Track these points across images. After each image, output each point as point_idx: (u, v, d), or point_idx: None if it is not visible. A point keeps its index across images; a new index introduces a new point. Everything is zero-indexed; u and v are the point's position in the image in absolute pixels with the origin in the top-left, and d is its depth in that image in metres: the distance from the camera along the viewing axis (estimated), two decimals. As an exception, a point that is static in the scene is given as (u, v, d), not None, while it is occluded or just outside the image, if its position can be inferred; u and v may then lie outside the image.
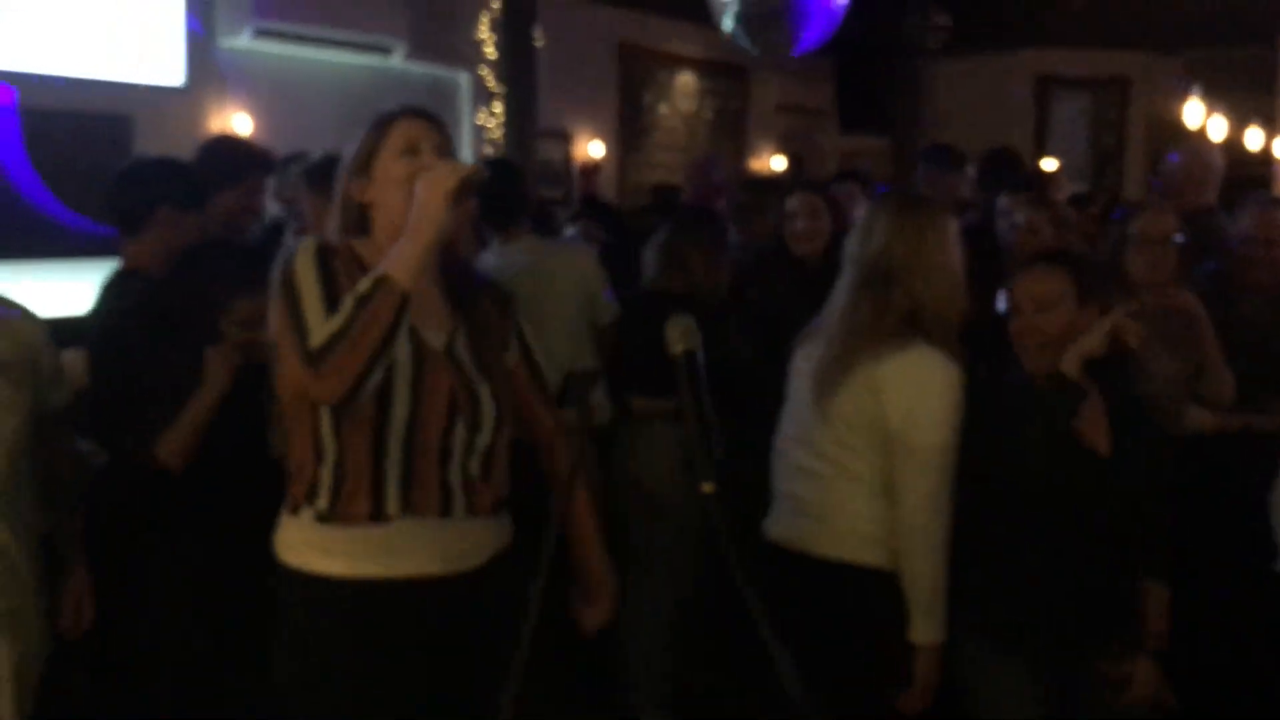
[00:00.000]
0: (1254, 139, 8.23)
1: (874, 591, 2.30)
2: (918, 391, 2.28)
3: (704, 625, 3.50)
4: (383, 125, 1.98)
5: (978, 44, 9.89)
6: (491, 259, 3.47)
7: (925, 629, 2.27)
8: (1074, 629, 2.34)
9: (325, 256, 1.89)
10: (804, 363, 2.48)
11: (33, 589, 2.40)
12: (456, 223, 1.88)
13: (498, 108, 7.53)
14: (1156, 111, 10.62)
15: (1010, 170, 4.91)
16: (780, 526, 2.47)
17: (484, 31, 7.58)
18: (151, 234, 2.91)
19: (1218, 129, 7.87)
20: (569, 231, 4.72)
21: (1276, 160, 9.14)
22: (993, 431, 2.33)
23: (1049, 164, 10.06)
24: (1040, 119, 10.78)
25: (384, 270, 1.78)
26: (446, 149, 1.98)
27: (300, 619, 1.94)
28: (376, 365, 1.78)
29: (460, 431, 1.94)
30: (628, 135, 8.85)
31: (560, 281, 3.53)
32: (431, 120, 2.02)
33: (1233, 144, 8.11)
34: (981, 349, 2.45)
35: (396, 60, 6.90)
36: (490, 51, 7.59)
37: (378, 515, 1.90)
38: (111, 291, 2.91)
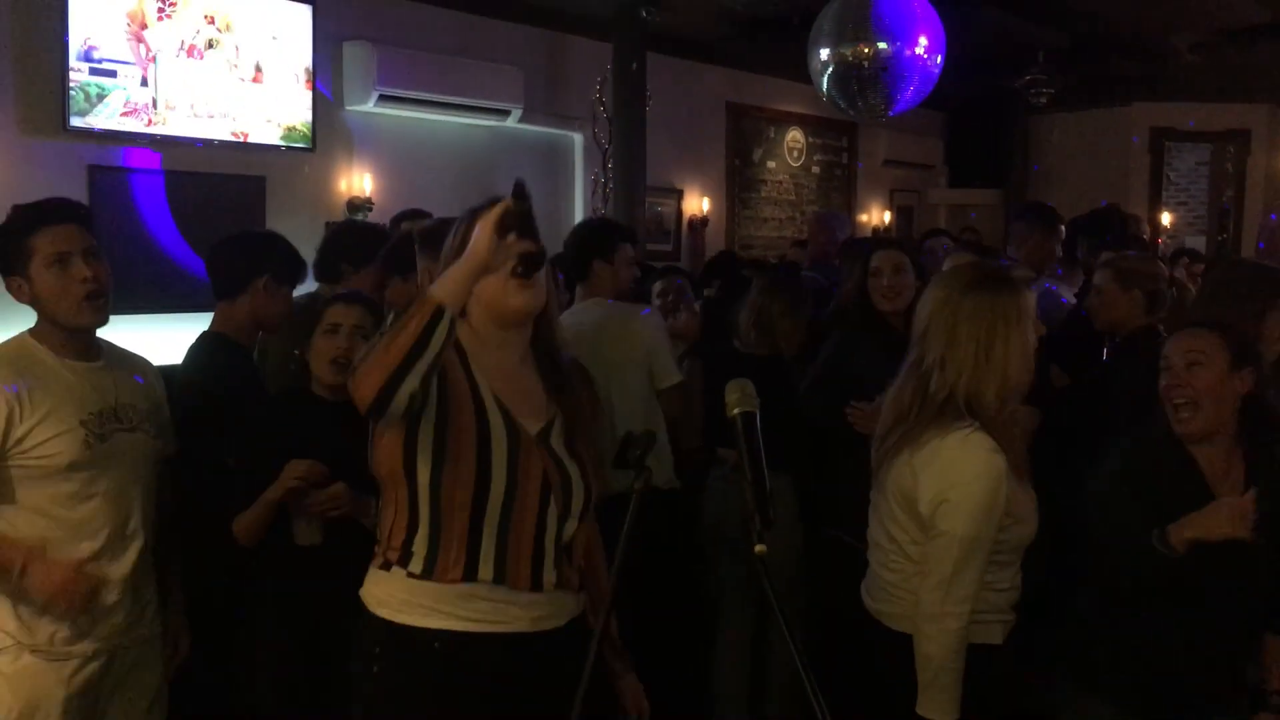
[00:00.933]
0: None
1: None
2: (949, 478, 2.25)
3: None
4: (476, 211, 2.00)
5: (1090, 98, 9.84)
6: (566, 318, 3.61)
7: (926, 704, 2.27)
8: (1201, 689, 2.39)
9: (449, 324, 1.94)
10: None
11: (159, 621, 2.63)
12: (502, 255, 1.88)
13: (610, 164, 7.81)
14: (1276, 165, 10.38)
15: (1109, 228, 4.92)
16: (864, 590, 2.53)
17: (596, 91, 7.89)
18: (246, 301, 3.08)
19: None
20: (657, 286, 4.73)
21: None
22: (1141, 493, 2.39)
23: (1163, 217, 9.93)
24: (1154, 172, 10.62)
25: (429, 292, 1.85)
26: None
27: (386, 669, 2.03)
28: (408, 373, 1.82)
29: (553, 511, 2.04)
30: (736, 190, 9.02)
31: (621, 343, 3.64)
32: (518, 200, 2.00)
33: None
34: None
35: (512, 122, 7.20)
36: (602, 111, 7.89)
37: (471, 579, 2.00)
38: (202, 352, 3.08)
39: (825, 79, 5.12)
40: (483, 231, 1.86)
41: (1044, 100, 7.96)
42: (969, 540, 2.24)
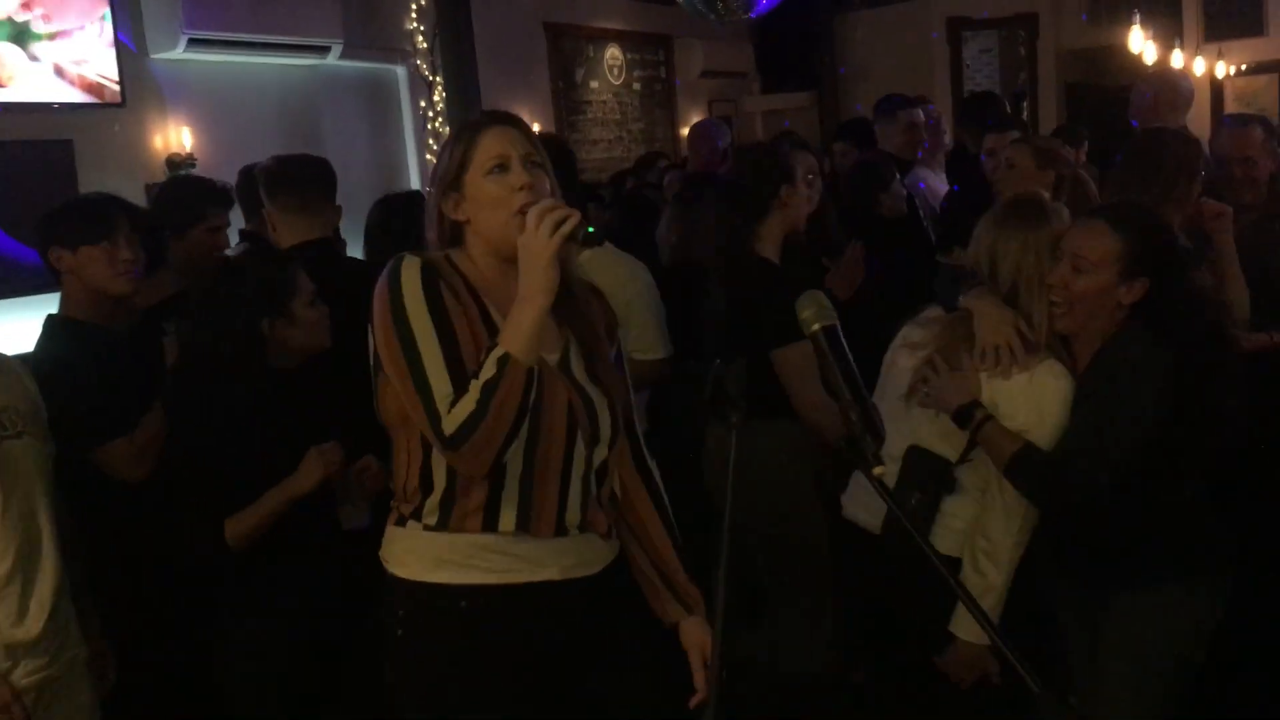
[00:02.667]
0: (1176, 59, 8.46)
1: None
2: (1041, 408, 2.31)
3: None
4: (468, 138, 1.92)
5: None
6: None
7: (966, 626, 2.34)
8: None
9: (431, 281, 1.83)
10: (905, 358, 2.51)
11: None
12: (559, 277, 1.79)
13: (436, 96, 7.45)
14: (1064, 44, 10.88)
15: (988, 110, 5.02)
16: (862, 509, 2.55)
17: (411, 23, 7.49)
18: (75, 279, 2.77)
19: (1150, 53, 8.08)
20: None
21: (1191, 77, 9.43)
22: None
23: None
24: (954, 62, 10.97)
25: (505, 349, 1.75)
26: (535, 157, 1.91)
27: (411, 632, 1.91)
28: (515, 438, 1.78)
29: (580, 447, 1.92)
30: (564, 113, 8.79)
31: None
32: (517, 126, 1.95)
33: (1160, 67, 8.32)
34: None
35: (332, 59, 6.75)
36: (421, 42, 7.50)
37: (490, 529, 1.88)
38: (54, 340, 2.76)
39: (683, -16, 4.98)
40: (539, 265, 1.75)
41: (857, -3, 8.03)
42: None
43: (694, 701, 1.95)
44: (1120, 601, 2.39)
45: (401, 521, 1.93)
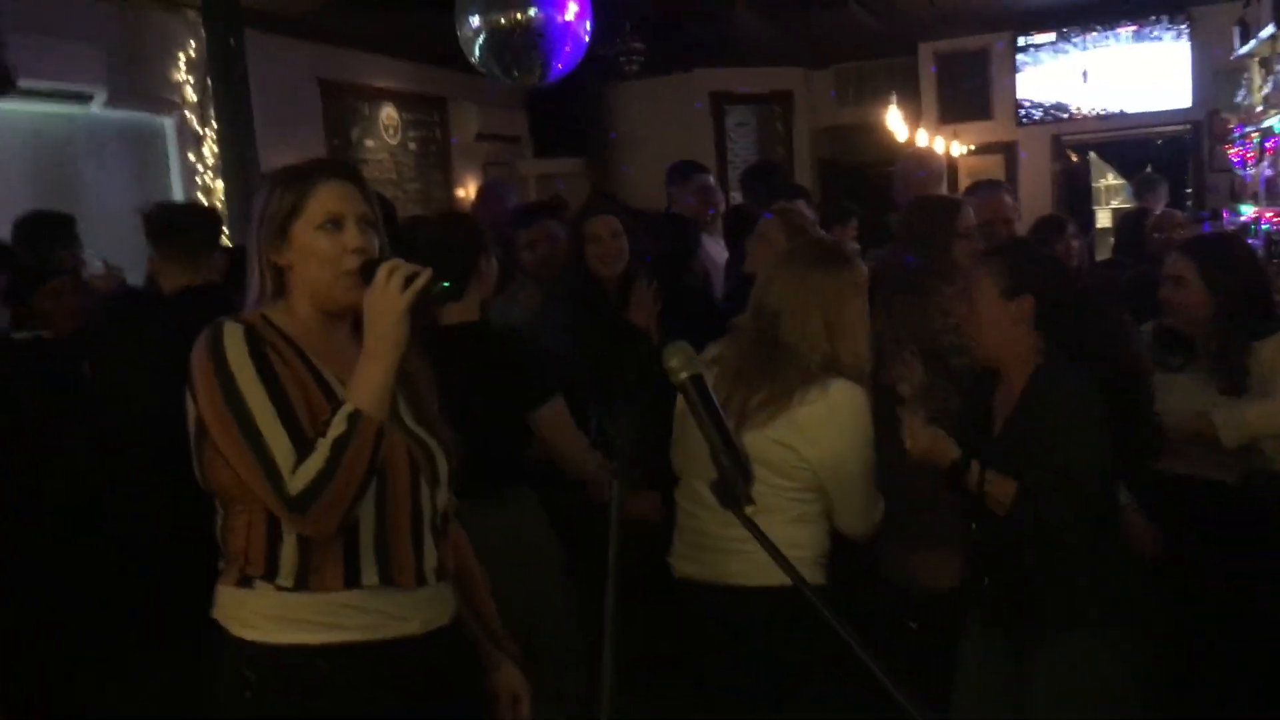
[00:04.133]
0: (921, 139, 9.20)
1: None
2: (833, 425, 2.45)
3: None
4: (301, 188, 1.88)
5: (659, 66, 10.43)
6: None
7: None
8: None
9: (256, 345, 1.80)
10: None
11: None
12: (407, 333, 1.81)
13: (206, 149, 7.18)
14: (818, 121, 11.63)
15: (774, 179, 5.31)
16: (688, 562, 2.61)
17: (181, 73, 7.21)
18: None
19: (902, 131, 8.76)
20: None
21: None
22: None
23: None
24: (718, 133, 11.51)
25: (354, 405, 1.74)
26: (370, 217, 1.91)
27: (265, 692, 1.82)
28: (364, 496, 1.78)
29: (425, 492, 1.93)
30: (339, 172, 8.63)
31: None
32: (355, 182, 1.93)
33: (906, 145, 9.03)
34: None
35: (96, 107, 6.41)
36: (191, 94, 7.22)
37: (353, 585, 1.84)
38: None
39: (478, 47, 5.02)
40: (387, 321, 1.75)
41: (635, 68, 8.33)
42: (870, 468, 2.46)
43: None
44: (1048, 651, 2.47)
45: (247, 583, 1.85)
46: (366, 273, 1.82)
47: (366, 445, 1.73)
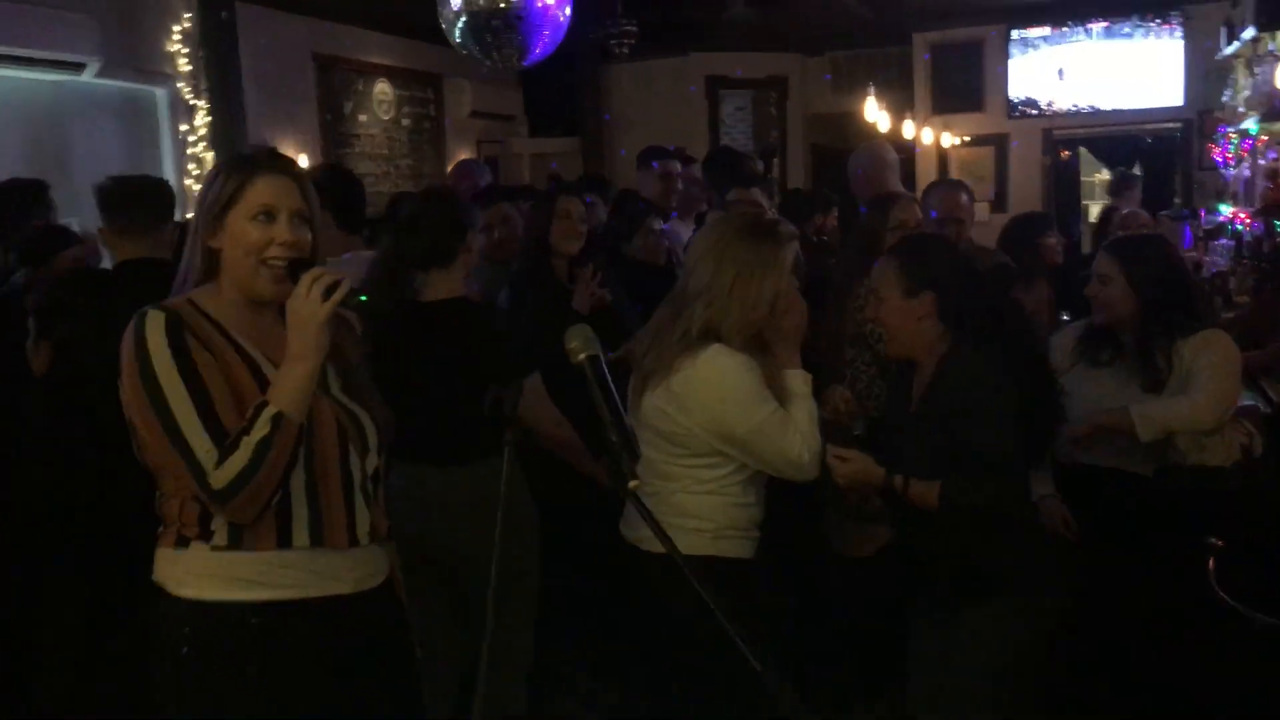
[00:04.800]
0: (908, 129, 9.26)
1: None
2: (715, 390, 2.48)
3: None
4: (240, 177, 1.97)
5: (653, 48, 10.50)
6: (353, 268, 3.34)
7: None
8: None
9: (176, 334, 1.88)
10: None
11: None
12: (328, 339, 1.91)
13: (198, 121, 7.28)
14: (812, 107, 11.69)
15: (733, 167, 5.41)
16: (626, 526, 2.69)
17: (174, 44, 7.30)
18: None
19: (883, 123, 8.82)
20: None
21: (921, 145, 10.35)
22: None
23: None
24: (711, 117, 11.57)
25: (277, 407, 1.84)
26: (305, 212, 1.99)
27: (198, 650, 1.91)
28: (282, 487, 1.88)
29: (354, 458, 2.02)
30: (331, 146, 8.73)
31: None
32: (293, 176, 2.01)
33: (893, 135, 9.09)
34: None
35: (89, 76, 6.51)
36: (184, 65, 7.32)
37: (285, 546, 1.94)
38: None
39: (458, 29, 5.10)
40: (309, 329, 1.86)
41: (627, 50, 8.39)
42: (762, 422, 2.49)
43: None
44: (957, 621, 2.63)
45: (183, 543, 1.94)
46: (293, 272, 1.93)
47: (288, 445, 1.84)
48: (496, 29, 5.06)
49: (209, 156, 7.11)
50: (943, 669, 2.67)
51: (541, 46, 5.16)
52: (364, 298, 1.92)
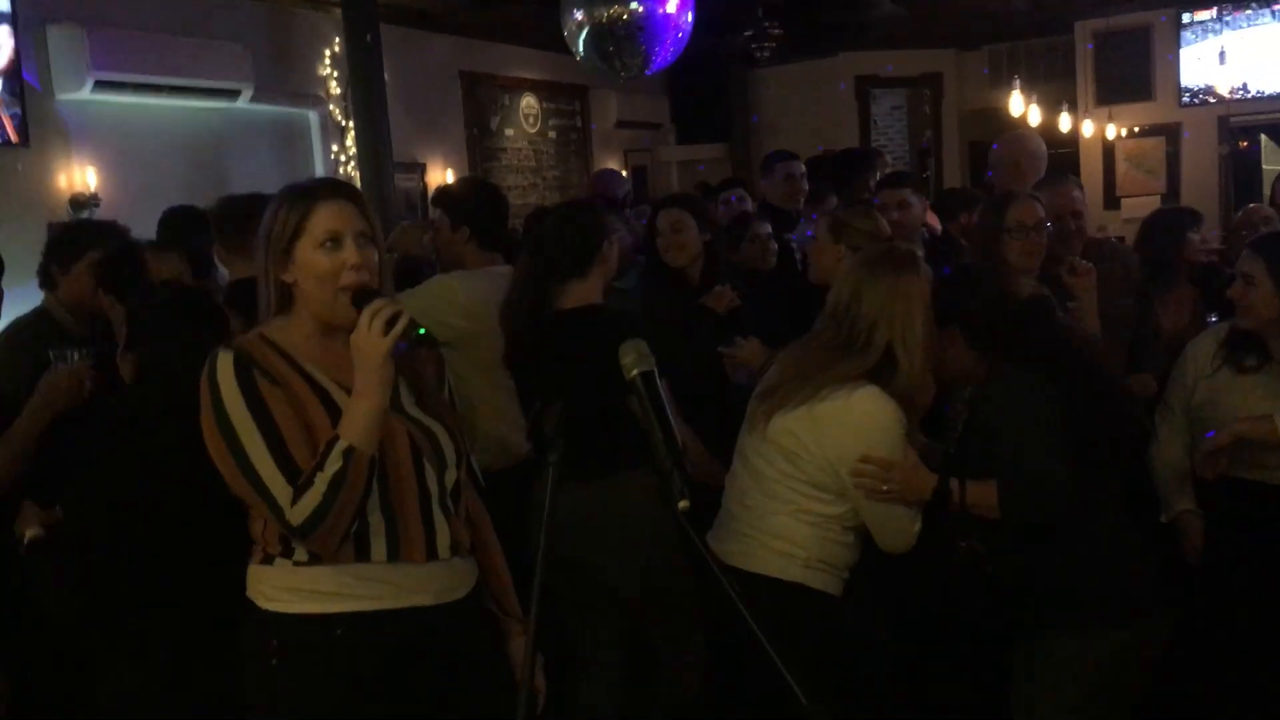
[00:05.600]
0: (1064, 122, 8.85)
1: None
2: (863, 431, 2.44)
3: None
4: (302, 206, 1.98)
5: (801, 50, 10.35)
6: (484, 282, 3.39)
7: None
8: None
9: (245, 373, 1.92)
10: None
11: None
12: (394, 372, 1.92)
13: (349, 141, 7.54)
14: (968, 104, 11.30)
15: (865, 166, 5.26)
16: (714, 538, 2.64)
17: (325, 69, 7.59)
18: None
19: (1034, 115, 8.45)
20: None
21: (1083, 138, 9.87)
22: None
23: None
24: (862, 117, 11.33)
25: (347, 442, 1.86)
26: (368, 232, 2.00)
27: (287, 662, 1.96)
28: (359, 516, 1.91)
29: (430, 473, 2.02)
30: (478, 161, 8.92)
31: None
32: (353, 200, 2.02)
33: (1048, 128, 8.70)
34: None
35: (243, 102, 6.82)
36: (334, 88, 7.60)
37: (363, 559, 1.96)
38: None
39: (580, 42, 5.13)
40: (373, 362, 1.87)
41: (767, 54, 8.30)
42: None
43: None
44: (1044, 651, 2.54)
45: (269, 560, 1.99)
46: (358, 300, 1.93)
47: (360, 477, 1.86)
48: (619, 39, 5.06)
49: (358, 175, 7.34)
50: (1037, 695, 2.56)
51: (664, 54, 5.15)
52: (423, 330, 1.90)
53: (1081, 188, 3.85)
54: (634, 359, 1.71)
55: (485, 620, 2.18)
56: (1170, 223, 4.35)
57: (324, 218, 1.97)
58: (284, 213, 2.00)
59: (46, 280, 3.48)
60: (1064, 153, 9.95)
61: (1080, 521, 2.46)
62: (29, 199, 5.86)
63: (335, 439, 1.87)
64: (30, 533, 2.65)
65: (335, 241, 1.96)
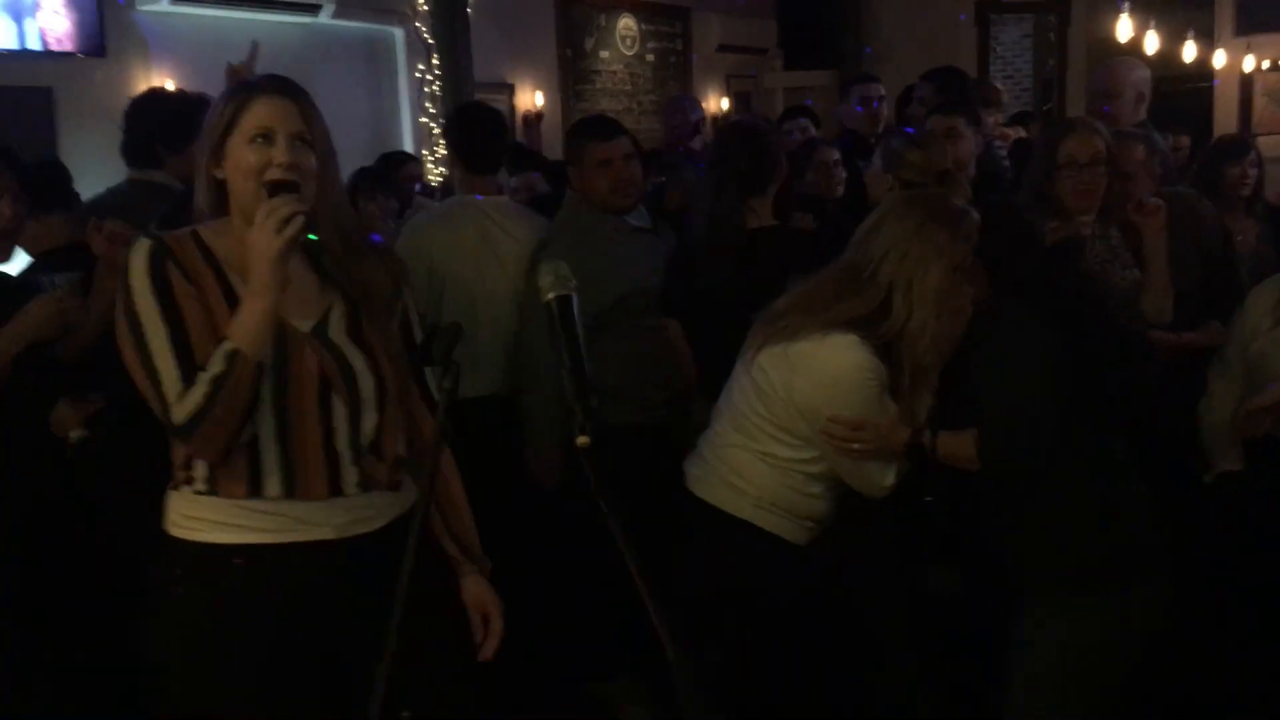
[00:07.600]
0: (1189, 52, 8.23)
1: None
2: (829, 377, 2.31)
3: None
4: (239, 99, 1.90)
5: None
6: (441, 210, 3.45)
7: None
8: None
9: (158, 264, 1.85)
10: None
11: None
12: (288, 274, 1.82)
13: (435, 61, 7.42)
14: (1096, 33, 10.60)
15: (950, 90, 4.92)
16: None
17: (415, -17, 7.47)
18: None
19: (1151, 44, 7.85)
20: (510, 182, 4.64)
21: (1215, 71, 9.19)
22: None
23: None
24: (982, 45, 10.75)
25: (233, 344, 1.77)
26: (305, 135, 1.88)
27: (188, 590, 1.92)
28: (244, 428, 1.82)
29: (339, 409, 1.92)
30: (570, 83, 8.74)
31: (506, 249, 3.43)
32: (296, 100, 1.91)
33: (1169, 58, 8.10)
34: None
35: (325, 17, 6.75)
36: (422, 4, 7.47)
37: (256, 495, 1.89)
38: None
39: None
40: (263, 264, 1.78)
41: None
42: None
43: (481, 657, 2.07)
44: (1026, 611, 2.38)
45: (177, 486, 1.96)
46: (271, 195, 1.82)
47: (244, 383, 1.78)
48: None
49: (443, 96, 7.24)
50: (1029, 667, 2.38)
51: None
52: (313, 236, 1.81)
53: (1152, 145, 3.46)
54: (551, 281, 1.59)
55: (431, 558, 2.04)
56: (1213, 156, 4.13)
57: (258, 113, 1.88)
58: (222, 105, 1.92)
59: (142, 157, 3.41)
60: (1199, 89, 9.30)
61: (1068, 477, 2.28)
62: (107, 110, 5.90)
63: (223, 339, 1.79)
64: (75, 434, 2.62)
65: (266, 138, 1.86)
